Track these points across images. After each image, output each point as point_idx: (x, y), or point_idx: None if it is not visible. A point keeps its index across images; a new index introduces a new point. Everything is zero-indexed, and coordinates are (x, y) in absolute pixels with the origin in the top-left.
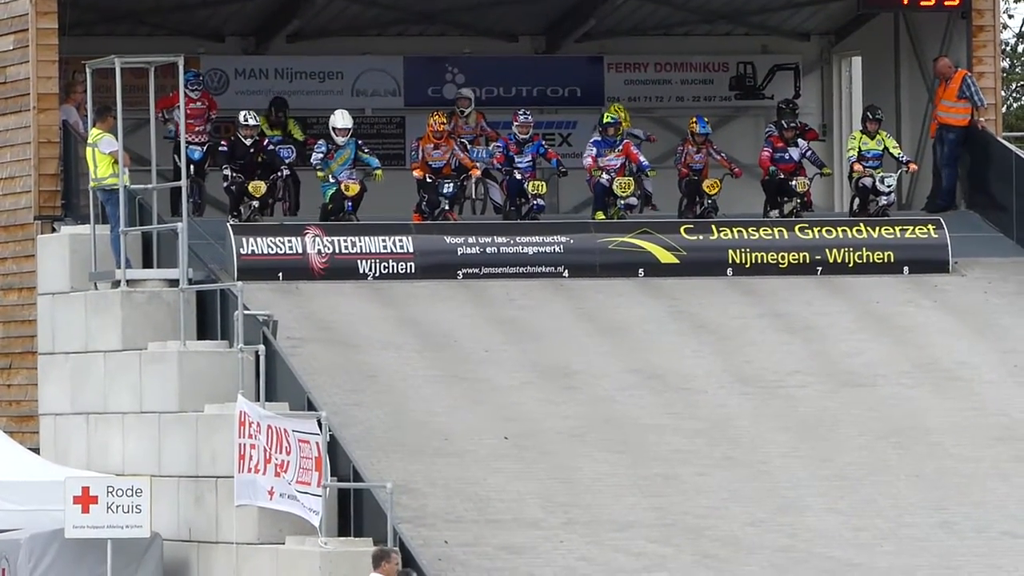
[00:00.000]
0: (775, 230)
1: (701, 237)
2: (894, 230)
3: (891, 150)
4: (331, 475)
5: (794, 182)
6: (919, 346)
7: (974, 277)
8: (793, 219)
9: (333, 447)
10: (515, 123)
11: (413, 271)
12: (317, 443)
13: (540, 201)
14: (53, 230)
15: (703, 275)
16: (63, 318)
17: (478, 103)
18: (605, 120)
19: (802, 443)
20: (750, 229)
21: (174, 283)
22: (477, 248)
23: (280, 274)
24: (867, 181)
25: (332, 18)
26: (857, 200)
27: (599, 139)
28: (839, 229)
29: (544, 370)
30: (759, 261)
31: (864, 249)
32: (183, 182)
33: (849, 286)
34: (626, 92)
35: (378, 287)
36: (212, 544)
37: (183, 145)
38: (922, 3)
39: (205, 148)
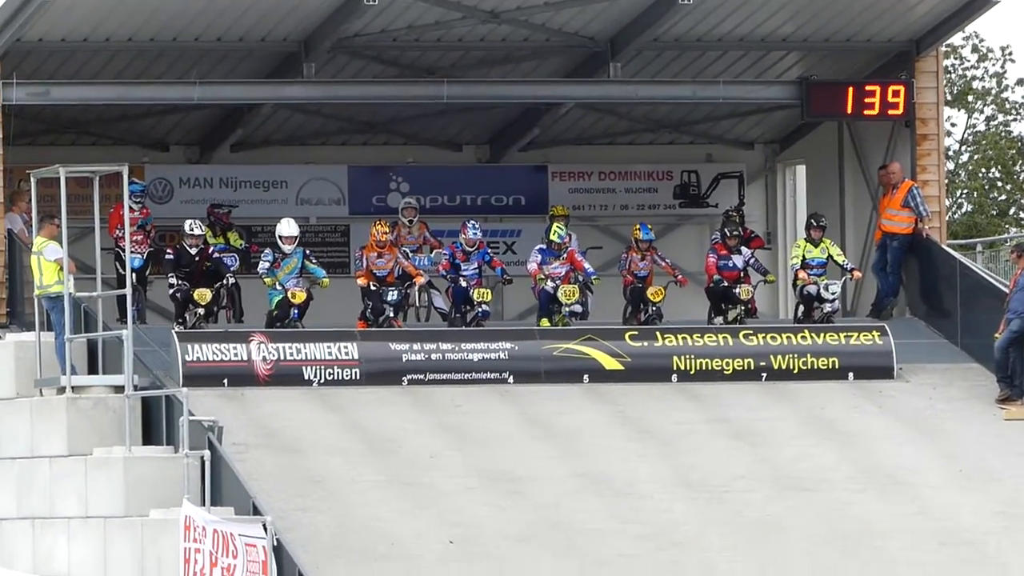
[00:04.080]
0: (720, 337)
1: (646, 344)
2: (839, 337)
3: (835, 258)
4: None
5: (738, 289)
6: (864, 451)
7: (919, 383)
8: (737, 326)
9: (279, 551)
10: (463, 235)
11: (358, 377)
12: (264, 547)
13: (485, 308)
14: None
15: (648, 381)
16: (8, 424)
17: (422, 212)
18: (552, 238)
19: (748, 548)
20: (695, 336)
21: (119, 389)
22: (422, 354)
23: (225, 380)
24: (811, 289)
25: (276, 128)
26: (801, 307)
27: (544, 247)
28: (783, 336)
29: (489, 475)
30: (704, 367)
31: (809, 355)
32: (128, 289)
33: (794, 392)
34: (570, 200)
35: (323, 393)
36: None
37: (127, 252)
38: (866, 112)
39: (145, 256)
